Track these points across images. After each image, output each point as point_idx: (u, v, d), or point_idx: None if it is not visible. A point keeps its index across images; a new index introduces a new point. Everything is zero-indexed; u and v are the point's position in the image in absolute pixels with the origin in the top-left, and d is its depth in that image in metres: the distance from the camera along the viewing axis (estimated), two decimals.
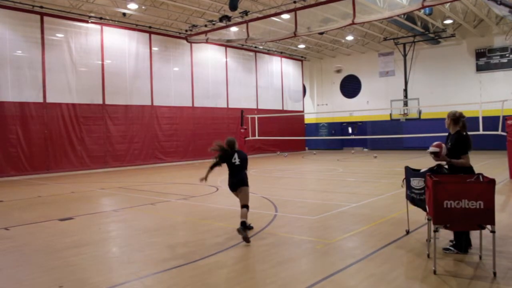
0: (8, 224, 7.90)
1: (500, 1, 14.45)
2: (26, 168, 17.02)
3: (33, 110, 17.36)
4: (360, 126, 31.14)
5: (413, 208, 6.14)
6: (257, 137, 20.37)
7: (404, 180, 6.13)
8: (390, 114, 28.33)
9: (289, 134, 28.27)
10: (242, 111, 20.13)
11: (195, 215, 8.43)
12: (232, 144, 6.83)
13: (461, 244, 5.33)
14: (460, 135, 5.37)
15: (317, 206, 9.03)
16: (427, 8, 18.53)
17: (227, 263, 5.24)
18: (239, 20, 19.18)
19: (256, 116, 20.54)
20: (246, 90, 27.28)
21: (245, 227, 6.19)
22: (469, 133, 5.52)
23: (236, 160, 6.65)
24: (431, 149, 5.36)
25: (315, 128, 33.51)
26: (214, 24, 20.61)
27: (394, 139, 27.07)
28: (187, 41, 22.35)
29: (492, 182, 4.53)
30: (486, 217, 4.46)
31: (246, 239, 6.03)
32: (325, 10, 18.15)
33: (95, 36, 19.49)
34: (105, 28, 19.85)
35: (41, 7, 17.37)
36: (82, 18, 18.96)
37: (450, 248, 5.38)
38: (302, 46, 28.60)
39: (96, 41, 19.48)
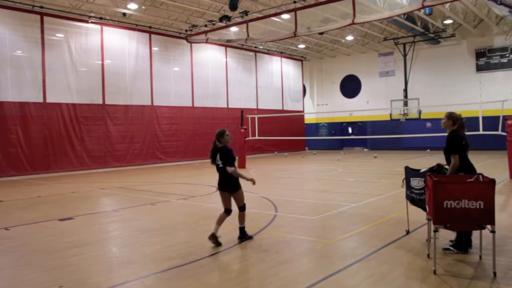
0: (8, 224, 7.90)
1: (500, 1, 14.45)
2: (26, 168, 17.02)
3: (33, 110, 17.35)
4: (360, 126, 31.13)
5: (413, 208, 6.14)
6: (257, 137, 20.37)
7: (404, 180, 6.13)
8: (390, 114, 28.33)
9: (289, 134, 28.27)
10: (242, 111, 20.12)
11: (195, 215, 8.43)
12: (217, 137, 6.21)
13: (461, 244, 5.33)
14: (454, 134, 5.35)
15: (317, 206, 9.02)
16: (427, 8, 18.53)
17: (227, 263, 5.24)
18: (239, 20, 19.18)
19: (256, 116, 20.54)
20: (246, 90, 27.27)
21: (243, 235, 6.12)
22: (469, 133, 5.51)
23: (219, 162, 6.08)
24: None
25: (315, 128, 33.51)
26: (214, 24, 20.61)
27: (394, 139, 27.07)
28: (187, 41, 22.36)
29: (492, 182, 4.52)
30: (486, 217, 4.46)
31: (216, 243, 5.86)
32: (325, 10, 18.15)
33: (95, 36, 19.49)
34: (105, 28, 19.85)
35: (41, 7, 17.37)
36: (82, 18, 18.96)
37: (450, 248, 5.38)
38: (302, 46, 28.60)
39: (96, 41, 19.48)
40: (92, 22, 19.30)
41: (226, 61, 25.89)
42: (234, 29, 20.50)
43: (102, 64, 19.66)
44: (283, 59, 30.54)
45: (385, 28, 25.26)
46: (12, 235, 7.03)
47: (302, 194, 10.92)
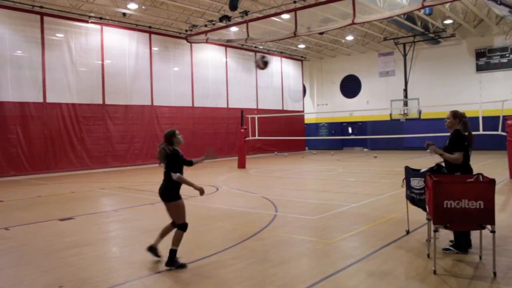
0: (8, 224, 7.90)
1: (500, 1, 14.45)
2: (26, 168, 17.02)
3: (33, 110, 17.35)
4: (360, 126, 31.14)
5: (413, 208, 6.14)
6: (257, 137, 20.36)
7: (404, 180, 6.13)
8: (390, 114, 28.34)
9: (289, 134, 28.26)
10: (242, 111, 20.12)
11: (195, 215, 8.42)
12: (167, 138, 5.39)
13: (461, 244, 5.33)
14: (459, 133, 5.37)
15: (317, 206, 9.02)
16: (427, 8, 18.53)
17: (227, 263, 5.23)
18: (239, 20, 19.19)
19: (256, 116, 20.53)
20: (246, 90, 27.27)
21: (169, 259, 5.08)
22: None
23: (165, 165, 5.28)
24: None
25: (315, 128, 33.51)
26: (214, 24, 20.61)
27: (394, 139, 27.06)
28: (187, 41, 22.36)
29: (492, 182, 4.52)
30: (486, 217, 4.46)
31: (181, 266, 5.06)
32: (325, 10, 18.15)
33: (95, 36, 19.48)
34: (105, 28, 19.85)
35: (41, 7, 17.37)
36: (82, 18, 18.96)
37: (450, 248, 5.38)
38: (302, 46, 28.60)
39: (96, 41, 19.48)
40: (92, 22, 19.30)
41: (226, 61, 25.89)
42: (234, 29, 20.50)
43: (102, 64, 19.65)
44: (283, 59, 30.54)
45: (385, 28, 25.26)
46: (12, 235, 7.03)
47: (302, 194, 10.92)
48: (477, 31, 24.60)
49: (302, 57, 32.10)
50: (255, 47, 27.37)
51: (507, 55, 24.64)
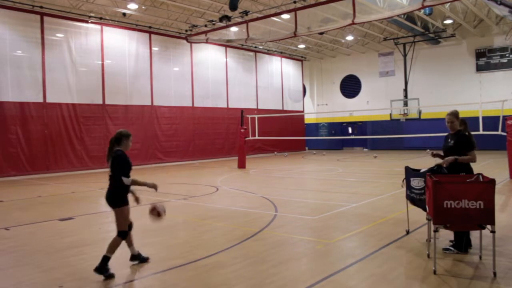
0: (8, 224, 7.90)
1: (500, 1, 14.45)
2: (26, 168, 17.02)
3: (33, 110, 17.35)
4: (360, 126, 31.14)
5: (413, 208, 6.14)
6: (257, 137, 20.36)
7: (404, 180, 6.13)
8: (390, 114, 28.34)
9: (289, 134, 28.27)
10: (242, 111, 20.11)
11: (195, 215, 8.42)
12: (117, 138, 5.27)
13: (461, 244, 5.33)
14: (464, 134, 5.38)
15: (317, 206, 9.02)
16: (427, 8, 18.53)
17: (227, 263, 5.23)
18: (239, 20, 19.18)
19: (256, 116, 20.53)
20: (246, 90, 27.27)
21: (102, 268, 4.77)
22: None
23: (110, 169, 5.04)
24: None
25: (315, 128, 33.51)
26: (214, 24, 20.61)
27: (394, 139, 27.08)
28: (187, 41, 22.36)
29: (492, 182, 4.52)
30: (486, 217, 4.46)
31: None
32: (325, 10, 18.14)
33: (95, 36, 19.48)
34: (105, 28, 19.85)
35: (41, 7, 17.37)
36: (82, 18, 18.96)
37: (450, 248, 5.38)
38: (302, 46, 28.60)
39: (96, 41, 19.48)
40: (92, 22, 19.30)
41: (226, 61, 25.89)
42: (234, 29, 20.49)
43: (102, 64, 19.65)
44: (283, 59, 30.54)
45: (385, 28, 25.27)
46: (12, 235, 7.03)
47: (302, 194, 10.91)
48: (477, 31, 24.60)
49: (302, 57, 32.10)
50: (255, 47, 27.37)
51: (507, 55, 24.64)
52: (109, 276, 4.78)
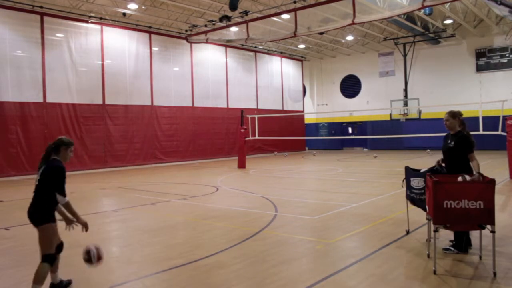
0: (8, 224, 7.90)
1: (500, 1, 14.45)
2: (26, 168, 17.01)
3: (33, 110, 17.35)
4: (360, 126, 31.14)
5: (413, 208, 6.14)
6: (257, 137, 20.36)
7: (404, 180, 6.13)
8: (390, 114, 28.34)
9: (289, 134, 28.27)
10: (242, 111, 20.11)
11: (195, 215, 8.42)
12: (56, 145, 4.44)
13: (461, 244, 5.33)
14: (465, 134, 5.37)
15: (317, 206, 9.02)
16: (427, 8, 18.52)
17: (227, 263, 5.23)
18: (239, 20, 19.18)
19: (256, 116, 20.53)
20: (246, 90, 27.27)
21: None
22: (470, 133, 5.52)
23: (38, 178, 4.29)
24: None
25: (315, 128, 33.51)
26: (214, 24, 20.61)
27: (394, 139, 27.07)
28: (187, 41, 22.35)
29: (492, 182, 4.52)
30: (486, 217, 4.46)
31: None
32: (325, 10, 18.15)
33: (95, 36, 19.48)
34: (105, 28, 19.85)
35: (41, 7, 17.37)
36: (82, 18, 18.96)
37: (450, 248, 5.38)
38: (302, 46, 28.60)
39: (96, 41, 19.48)
40: (92, 22, 19.29)
41: (226, 61, 25.89)
42: (234, 29, 20.49)
43: (102, 64, 19.65)
44: (283, 59, 30.54)
45: (385, 28, 25.26)
46: (12, 235, 7.03)
47: (302, 194, 10.91)
48: (477, 31, 24.60)
49: (302, 57, 32.10)
50: (255, 47, 27.38)
51: (507, 55, 24.64)
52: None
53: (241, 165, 18.68)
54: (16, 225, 7.78)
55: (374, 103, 29.43)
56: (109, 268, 5.24)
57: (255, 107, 27.34)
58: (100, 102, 19.55)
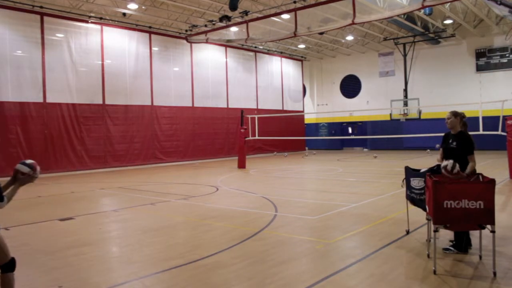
0: (8, 224, 7.89)
1: (500, 1, 14.44)
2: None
3: (33, 110, 17.34)
4: (360, 126, 31.14)
5: (413, 208, 6.14)
6: (257, 137, 20.36)
7: (404, 180, 6.13)
8: (390, 114, 28.34)
9: (289, 134, 28.26)
10: (242, 111, 20.11)
11: (195, 215, 8.42)
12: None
13: (461, 244, 5.33)
14: (467, 135, 5.37)
15: (317, 206, 9.02)
16: (427, 8, 18.51)
17: (227, 263, 5.23)
18: (239, 20, 19.18)
19: (256, 116, 20.53)
20: (246, 90, 27.27)
21: None
22: (469, 133, 5.52)
23: None
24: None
25: (315, 128, 33.51)
26: (214, 24, 20.61)
27: (394, 139, 27.07)
28: (187, 41, 22.35)
29: (492, 182, 4.52)
30: (486, 217, 4.46)
31: None
32: (325, 10, 18.15)
33: (95, 36, 19.48)
34: (105, 28, 19.84)
35: (41, 7, 17.37)
36: (82, 18, 18.96)
37: (450, 248, 5.38)
38: (302, 46, 28.60)
39: (96, 41, 19.47)
40: (92, 22, 19.29)
41: (226, 61, 25.89)
42: (234, 29, 20.49)
43: (102, 64, 19.65)
44: (283, 59, 30.54)
45: (385, 28, 25.26)
46: (12, 235, 7.03)
47: (302, 194, 10.92)
48: (477, 31, 24.60)
49: (302, 57, 32.09)
50: (255, 47, 27.38)
51: (507, 55, 24.64)
52: None
53: (241, 165, 18.68)
54: (16, 225, 7.78)
55: (374, 103, 29.43)
56: (109, 268, 5.25)
57: (255, 107, 27.34)
58: (100, 102, 19.54)
